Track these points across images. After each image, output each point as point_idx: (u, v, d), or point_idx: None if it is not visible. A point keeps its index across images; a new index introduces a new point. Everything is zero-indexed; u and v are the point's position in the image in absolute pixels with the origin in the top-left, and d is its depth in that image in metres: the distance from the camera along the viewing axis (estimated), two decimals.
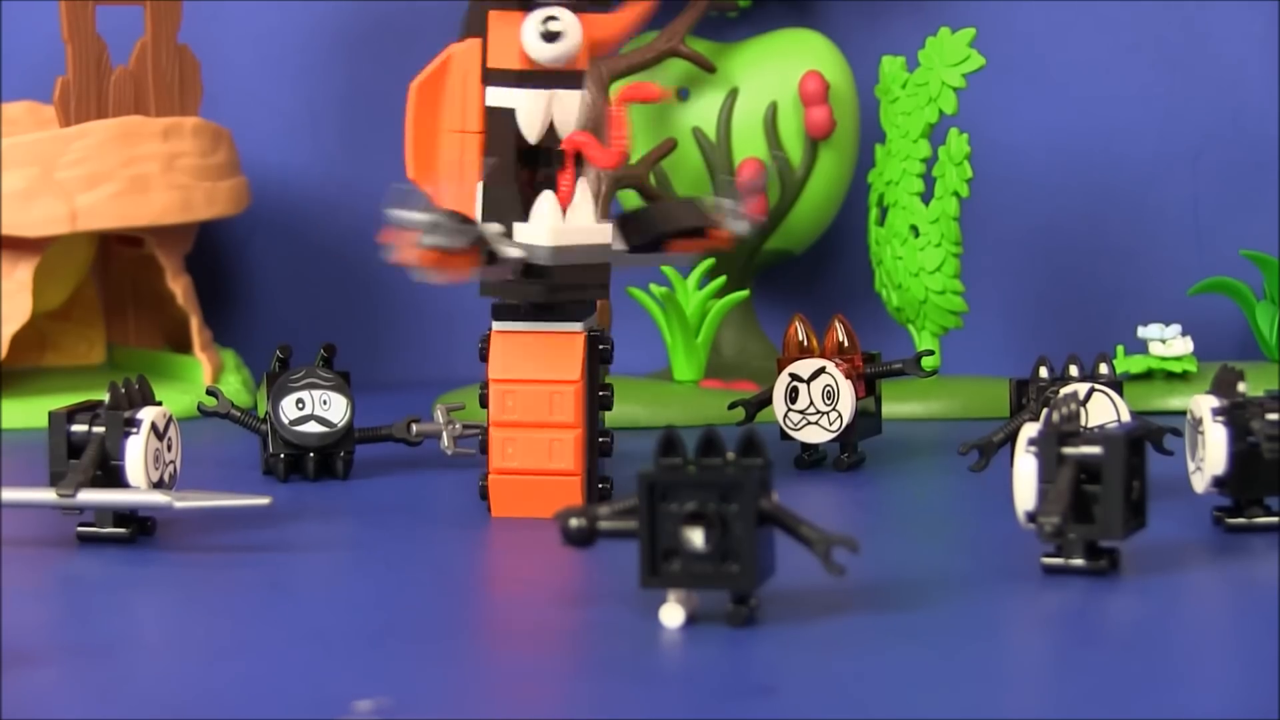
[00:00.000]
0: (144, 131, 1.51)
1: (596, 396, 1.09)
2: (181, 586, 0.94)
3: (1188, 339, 1.46)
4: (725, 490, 0.81)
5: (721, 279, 1.47)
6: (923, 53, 1.44)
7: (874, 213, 1.50)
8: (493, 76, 1.09)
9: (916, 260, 1.44)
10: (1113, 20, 1.67)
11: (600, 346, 1.09)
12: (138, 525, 1.03)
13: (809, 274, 1.72)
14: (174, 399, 1.51)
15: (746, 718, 0.69)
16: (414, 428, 1.27)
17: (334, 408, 1.22)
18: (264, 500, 0.98)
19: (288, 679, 0.75)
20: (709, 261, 1.49)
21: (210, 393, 1.24)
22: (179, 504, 0.98)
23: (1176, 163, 1.68)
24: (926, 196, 1.45)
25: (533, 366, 1.08)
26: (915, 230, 1.45)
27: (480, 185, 1.07)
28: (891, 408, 1.44)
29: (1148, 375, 1.47)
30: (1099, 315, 1.67)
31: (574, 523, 0.83)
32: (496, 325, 1.09)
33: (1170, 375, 1.46)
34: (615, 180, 1.47)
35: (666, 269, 1.46)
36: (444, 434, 1.26)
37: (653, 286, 1.45)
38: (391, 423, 1.27)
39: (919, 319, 1.47)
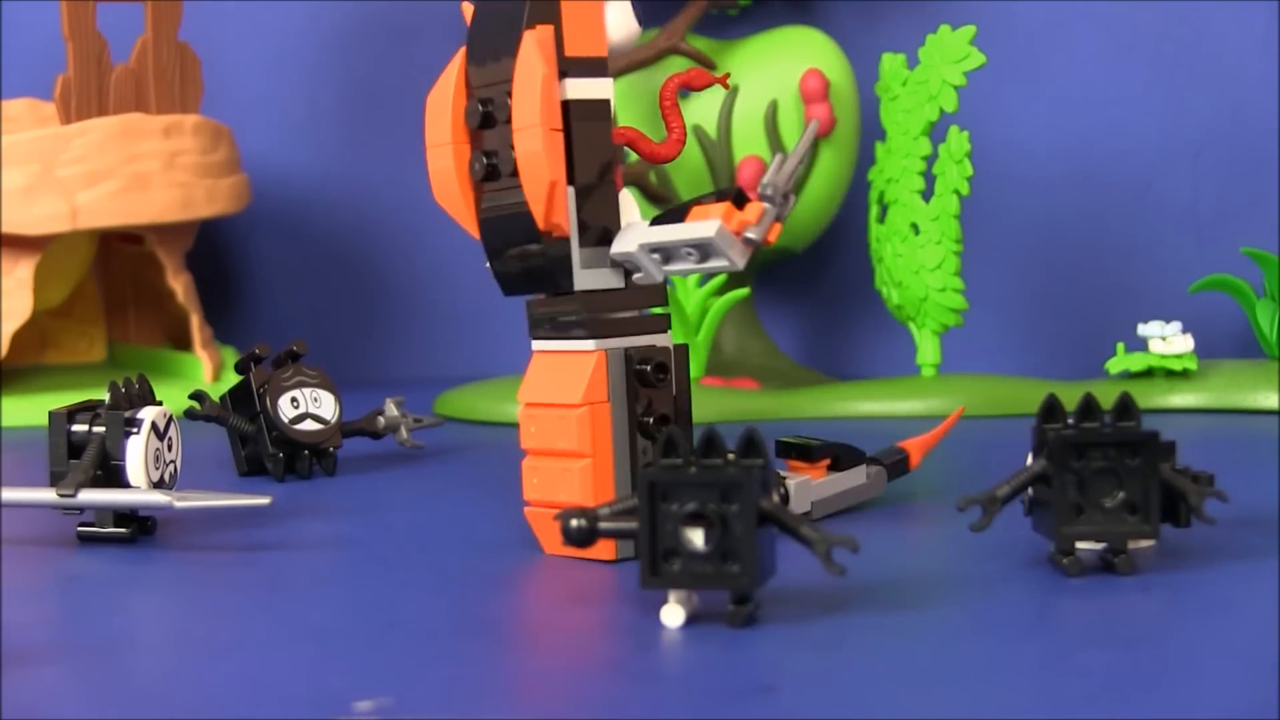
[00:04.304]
0: (144, 129, 1.51)
1: (635, 422, 0.96)
2: (182, 586, 0.94)
3: (1188, 336, 1.46)
4: (725, 490, 0.81)
5: (722, 277, 1.47)
6: (923, 50, 1.44)
7: (874, 210, 1.50)
8: (580, 66, 0.95)
9: (917, 258, 1.44)
10: (1113, 19, 1.67)
11: (638, 367, 0.96)
12: (138, 525, 1.03)
13: (809, 272, 1.72)
14: (175, 396, 1.52)
15: (747, 717, 0.69)
16: (380, 420, 1.28)
17: (324, 404, 1.22)
18: (264, 500, 0.98)
19: (288, 678, 0.75)
20: None
21: (195, 397, 1.23)
22: (179, 504, 0.98)
23: (1177, 161, 1.68)
24: (927, 194, 1.45)
25: (548, 389, 0.97)
26: (916, 228, 1.45)
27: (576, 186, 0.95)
28: (891, 406, 1.44)
29: (1148, 373, 1.47)
30: (1099, 313, 1.68)
31: (574, 523, 0.83)
32: (535, 344, 0.98)
33: (1170, 373, 1.46)
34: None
35: None
36: (401, 427, 1.28)
37: None
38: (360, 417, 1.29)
39: (919, 316, 1.47)
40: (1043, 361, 1.65)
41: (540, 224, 0.93)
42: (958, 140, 1.42)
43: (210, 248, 1.74)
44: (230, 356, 1.60)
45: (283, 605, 0.88)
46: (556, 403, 0.95)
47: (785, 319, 1.73)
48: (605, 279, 0.95)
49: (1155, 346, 1.46)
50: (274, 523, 1.07)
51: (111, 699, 0.73)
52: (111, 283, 1.68)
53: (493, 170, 0.95)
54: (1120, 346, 1.48)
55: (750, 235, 0.91)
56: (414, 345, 1.77)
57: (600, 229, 0.95)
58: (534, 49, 0.93)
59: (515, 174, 0.94)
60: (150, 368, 1.61)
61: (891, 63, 1.48)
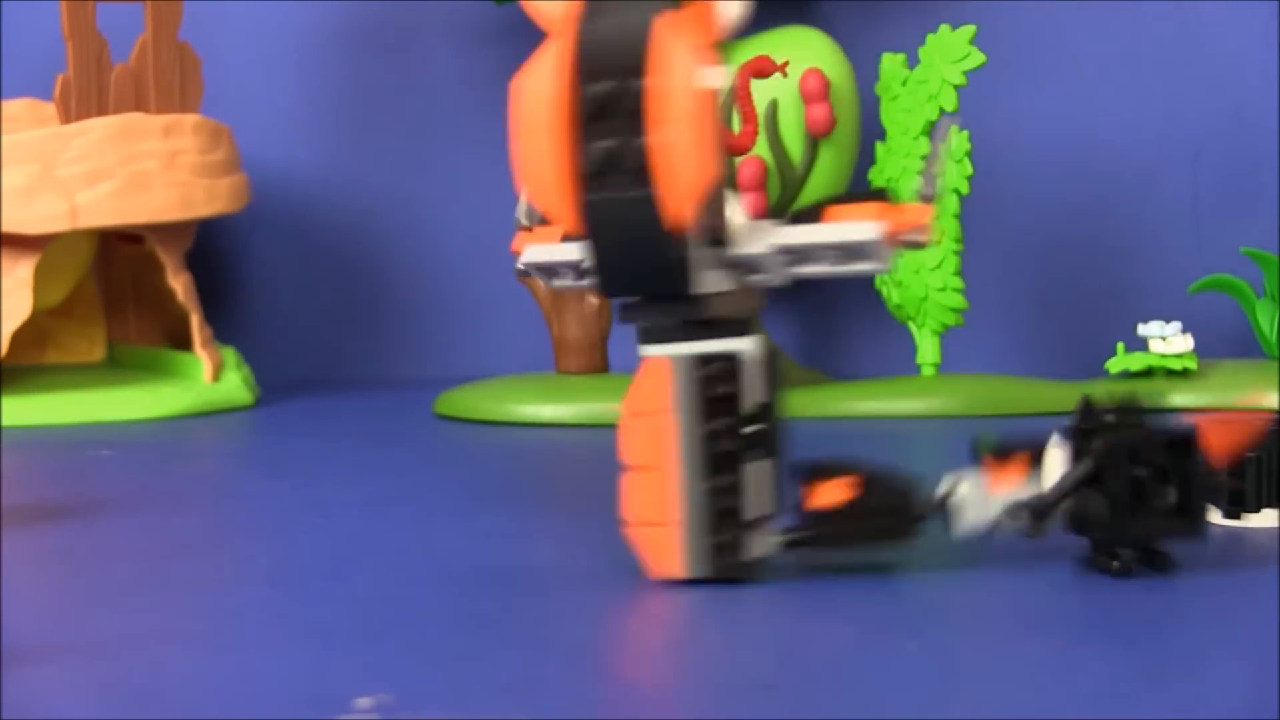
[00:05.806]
0: (144, 129, 1.51)
1: (705, 434, 0.88)
2: (181, 584, 0.94)
3: (1188, 336, 1.46)
4: (1175, 445, 0.88)
5: None
6: (923, 50, 1.44)
7: None
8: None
9: (917, 257, 1.44)
10: (1113, 19, 1.67)
11: (701, 373, 0.88)
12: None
13: None
14: (175, 396, 1.51)
15: (747, 716, 0.69)
16: None
17: None
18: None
19: (288, 676, 0.75)
20: None
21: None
22: None
23: (1176, 161, 1.68)
24: None
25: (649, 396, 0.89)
26: None
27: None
28: (890, 405, 1.44)
29: (1148, 373, 1.47)
30: (1099, 312, 1.68)
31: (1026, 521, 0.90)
32: (649, 350, 0.90)
33: (1170, 373, 1.46)
34: None
35: None
36: None
37: None
38: None
39: (919, 316, 1.47)
40: (1043, 361, 1.65)
41: (674, 221, 0.85)
42: (958, 140, 1.43)
43: (210, 248, 1.74)
44: (230, 356, 1.60)
45: (283, 602, 0.88)
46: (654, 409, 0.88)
47: (785, 319, 1.73)
48: (719, 281, 0.88)
49: (1155, 346, 1.46)
50: (274, 520, 1.07)
51: (111, 699, 0.73)
52: (111, 282, 1.68)
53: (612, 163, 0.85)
54: (1120, 346, 1.48)
55: (916, 237, 0.87)
56: (414, 345, 1.77)
57: (713, 227, 0.88)
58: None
59: (644, 168, 0.84)
60: (150, 368, 1.61)
61: (891, 62, 1.48)
